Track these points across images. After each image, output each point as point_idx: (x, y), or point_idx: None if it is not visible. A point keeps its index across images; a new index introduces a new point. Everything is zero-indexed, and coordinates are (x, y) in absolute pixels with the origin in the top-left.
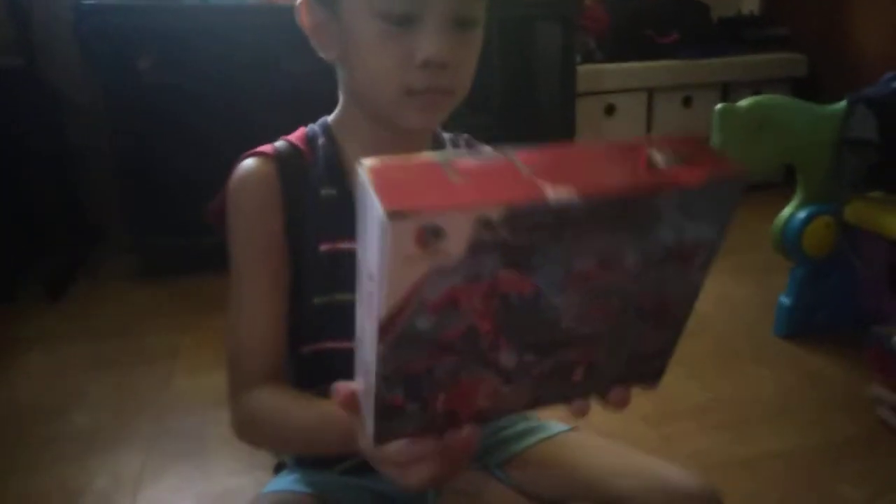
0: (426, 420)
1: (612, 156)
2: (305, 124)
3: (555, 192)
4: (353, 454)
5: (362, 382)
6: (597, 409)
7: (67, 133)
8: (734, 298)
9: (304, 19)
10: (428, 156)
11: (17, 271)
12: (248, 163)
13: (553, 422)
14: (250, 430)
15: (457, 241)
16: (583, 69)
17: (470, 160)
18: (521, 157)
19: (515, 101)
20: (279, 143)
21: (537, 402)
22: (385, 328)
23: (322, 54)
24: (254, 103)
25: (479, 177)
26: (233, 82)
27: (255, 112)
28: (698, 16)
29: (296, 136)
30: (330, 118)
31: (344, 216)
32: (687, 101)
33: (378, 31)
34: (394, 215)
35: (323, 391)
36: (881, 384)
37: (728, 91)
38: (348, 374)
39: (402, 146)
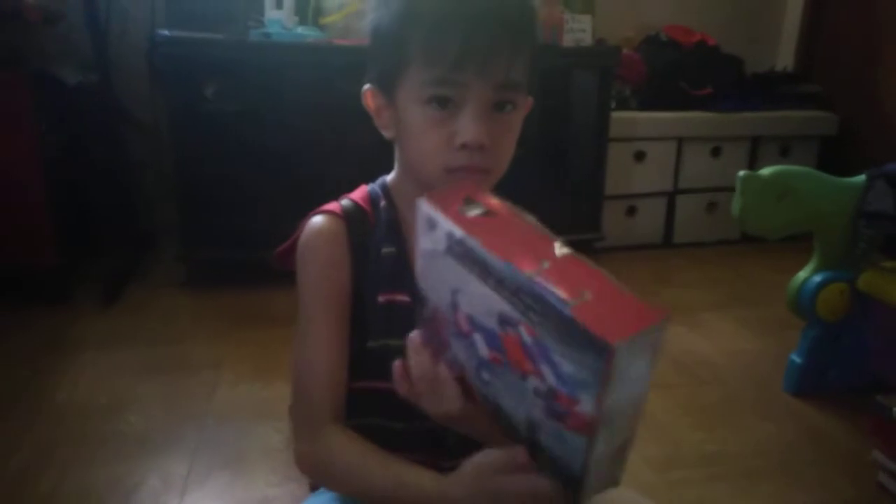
0: None
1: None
2: (365, 180)
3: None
4: None
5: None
6: None
7: (129, 147)
8: (747, 351)
9: (369, 102)
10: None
11: (75, 274)
12: (319, 220)
13: None
14: (321, 473)
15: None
16: (616, 115)
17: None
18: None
19: (551, 138)
20: (345, 203)
21: None
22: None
23: (382, 132)
24: (305, 134)
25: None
26: (287, 112)
27: (306, 142)
28: (732, 70)
29: (359, 195)
30: (388, 180)
31: (401, 272)
32: (715, 152)
33: (425, 116)
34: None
35: (367, 423)
36: (881, 451)
37: (757, 144)
38: (390, 408)
39: None
